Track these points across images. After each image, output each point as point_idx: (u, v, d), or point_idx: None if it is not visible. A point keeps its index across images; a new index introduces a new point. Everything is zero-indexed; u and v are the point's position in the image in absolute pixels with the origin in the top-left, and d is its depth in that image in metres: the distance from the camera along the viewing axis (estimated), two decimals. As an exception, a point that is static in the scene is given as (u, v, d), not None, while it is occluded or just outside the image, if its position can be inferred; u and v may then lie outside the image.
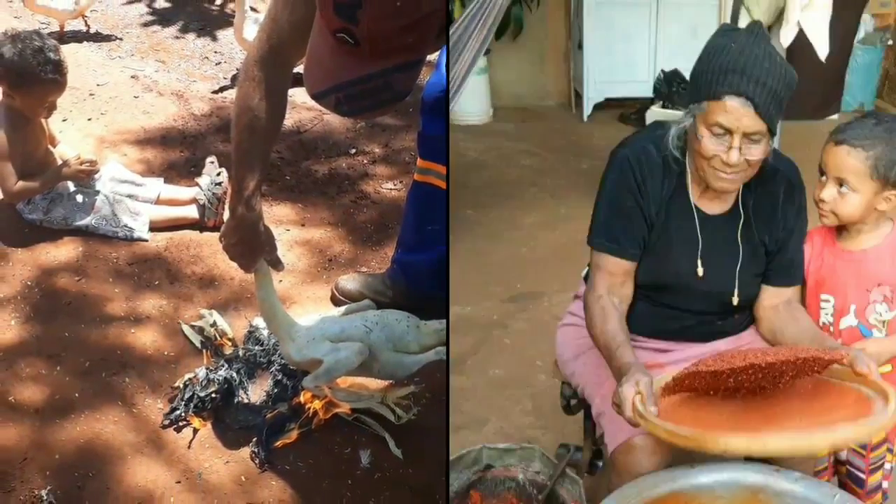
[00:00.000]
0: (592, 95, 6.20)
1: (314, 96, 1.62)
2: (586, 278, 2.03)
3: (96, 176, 3.18)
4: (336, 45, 1.48)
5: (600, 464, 2.22)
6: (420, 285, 2.76)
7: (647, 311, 1.95)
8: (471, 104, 6.00)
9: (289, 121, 3.84)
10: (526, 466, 2.18)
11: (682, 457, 1.73)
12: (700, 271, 1.88)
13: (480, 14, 3.26)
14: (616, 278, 1.89)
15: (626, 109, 6.15)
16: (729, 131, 1.71)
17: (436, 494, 2.25)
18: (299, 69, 1.74)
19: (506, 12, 3.53)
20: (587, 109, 6.22)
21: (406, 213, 2.84)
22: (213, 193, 3.15)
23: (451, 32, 3.23)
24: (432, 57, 2.55)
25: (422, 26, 1.47)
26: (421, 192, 2.69)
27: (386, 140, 3.90)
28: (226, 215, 2.38)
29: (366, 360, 2.27)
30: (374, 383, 2.48)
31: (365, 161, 3.75)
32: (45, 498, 2.17)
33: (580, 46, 6.12)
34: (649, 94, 5.51)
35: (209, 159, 3.23)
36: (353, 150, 3.82)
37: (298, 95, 3.73)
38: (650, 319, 1.96)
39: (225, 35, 4.86)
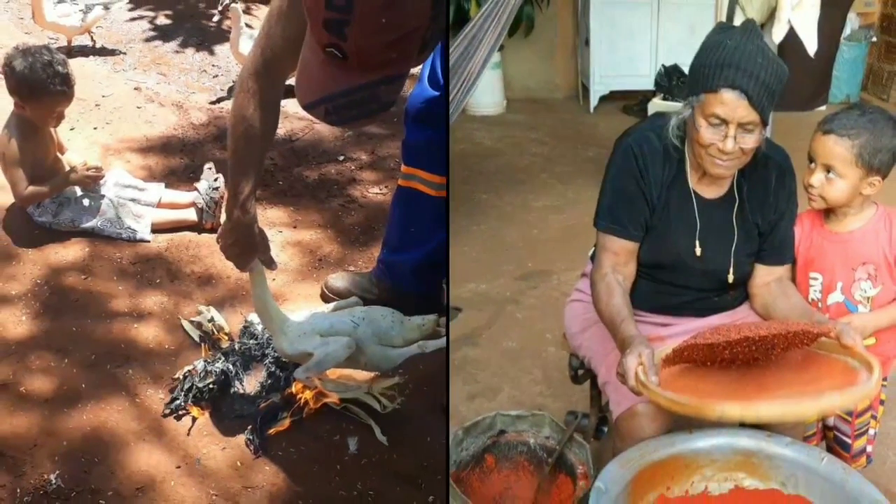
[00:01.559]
0: (598, 88, 6.26)
1: (305, 107, 1.61)
2: (592, 257, 2.02)
3: (102, 181, 3.16)
4: (326, 59, 1.48)
5: (605, 429, 2.24)
6: (404, 283, 2.75)
7: (649, 288, 1.96)
8: (485, 96, 6.07)
9: (281, 130, 3.83)
10: (537, 432, 2.19)
11: (682, 423, 1.75)
12: (698, 251, 1.89)
13: (495, 13, 3.27)
14: (620, 257, 1.90)
15: (630, 101, 6.20)
16: (725, 121, 1.72)
17: (419, 479, 2.25)
18: (291, 81, 1.73)
19: (518, 11, 3.55)
20: (593, 101, 6.27)
21: (391, 215, 2.83)
22: (211, 197, 3.13)
23: (467, 30, 3.25)
24: (415, 70, 2.55)
25: (405, 42, 1.47)
26: (405, 196, 2.69)
27: (372, 147, 3.89)
28: (222, 218, 2.36)
29: (353, 353, 2.26)
30: (361, 375, 2.47)
31: (352, 167, 3.74)
32: (53, 482, 2.15)
33: (587, 43, 6.17)
34: (651, 87, 5.56)
35: (207, 165, 3.21)
36: (342, 157, 3.81)
37: (290, 106, 3.70)
38: (651, 296, 1.97)
39: (222, 50, 4.84)
